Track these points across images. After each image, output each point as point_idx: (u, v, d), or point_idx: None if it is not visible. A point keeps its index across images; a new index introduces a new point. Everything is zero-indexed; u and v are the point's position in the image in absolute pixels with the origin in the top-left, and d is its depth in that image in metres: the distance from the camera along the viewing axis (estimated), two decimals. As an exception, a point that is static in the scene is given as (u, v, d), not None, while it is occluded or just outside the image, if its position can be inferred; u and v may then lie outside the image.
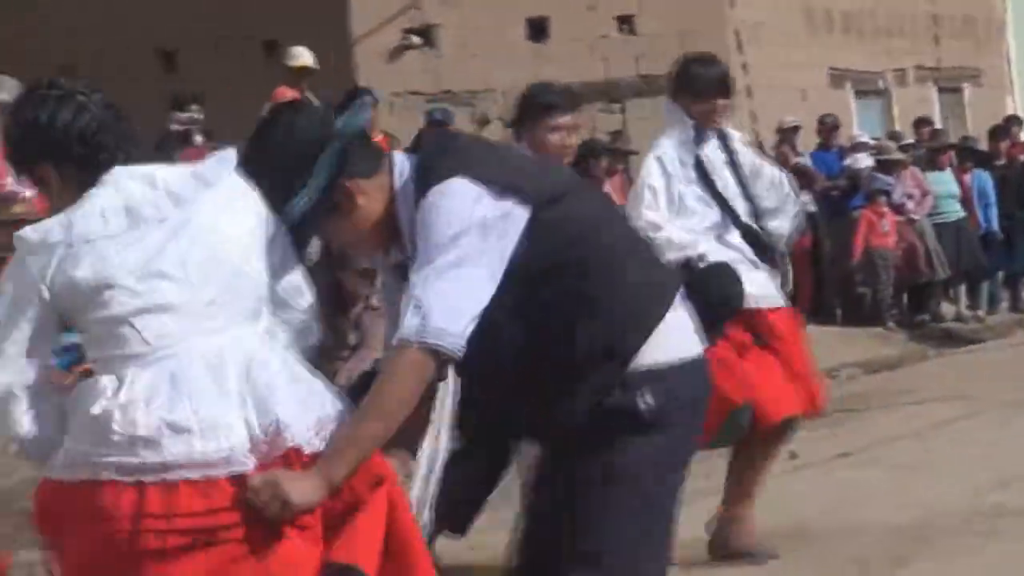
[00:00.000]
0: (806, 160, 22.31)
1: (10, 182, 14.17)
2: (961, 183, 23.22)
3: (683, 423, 4.92)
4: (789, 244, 10.52)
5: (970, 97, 28.59)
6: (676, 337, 4.96)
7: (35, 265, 5.01)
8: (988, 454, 10.59)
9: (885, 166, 22.55)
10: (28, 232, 5.08)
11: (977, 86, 29.06)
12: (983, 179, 23.74)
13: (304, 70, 17.43)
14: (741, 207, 9.33)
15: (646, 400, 4.76)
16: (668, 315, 4.91)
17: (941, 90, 27.99)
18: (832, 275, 21.44)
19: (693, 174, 9.25)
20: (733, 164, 9.37)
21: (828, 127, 23.05)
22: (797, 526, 10.17)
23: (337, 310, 14.23)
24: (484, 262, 4.61)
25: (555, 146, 9.25)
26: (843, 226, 21.95)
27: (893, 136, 24.28)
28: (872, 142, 23.46)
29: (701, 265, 8.57)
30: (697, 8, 22.80)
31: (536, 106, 9.55)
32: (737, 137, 10.04)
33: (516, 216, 4.66)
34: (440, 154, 4.84)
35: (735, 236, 9.21)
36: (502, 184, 4.66)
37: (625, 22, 22.70)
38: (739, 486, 9.29)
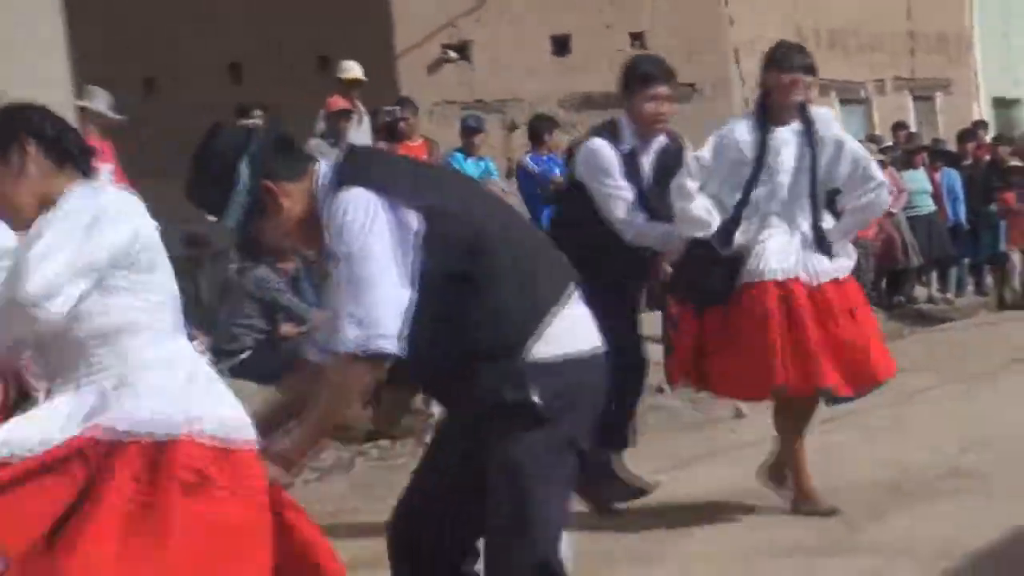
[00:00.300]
0: None
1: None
2: (932, 181, 23.28)
3: (571, 414, 4.90)
4: (864, 222, 10.58)
5: (941, 104, 28.63)
6: (568, 333, 4.92)
7: None
8: (955, 420, 10.60)
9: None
10: None
11: (948, 95, 29.06)
12: (952, 177, 23.80)
13: (354, 82, 17.45)
14: (803, 186, 9.07)
15: (536, 394, 4.76)
16: (562, 312, 4.91)
17: (916, 98, 27.98)
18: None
19: (754, 154, 9.01)
20: (811, 145, 9.07)
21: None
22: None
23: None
24: (395, 268, 4.66)
25: (650, 114, 9.32)
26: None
27: (873, 139, 24.27)
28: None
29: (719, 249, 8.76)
30: (700, 26, 22.78)
31: (635, 77, 9.58)
32: (823, 115, 9.71)
33: (412, 224, 4.70)
34: (352, 165, 4.90)
35: (784, 215, 9.02)
36: (399, 195, 4.71)
37: (637, 38, 22.65)
38: (784, 439, 9.32)
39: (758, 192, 8.99)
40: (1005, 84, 31.00)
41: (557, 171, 17.64)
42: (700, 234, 8.88)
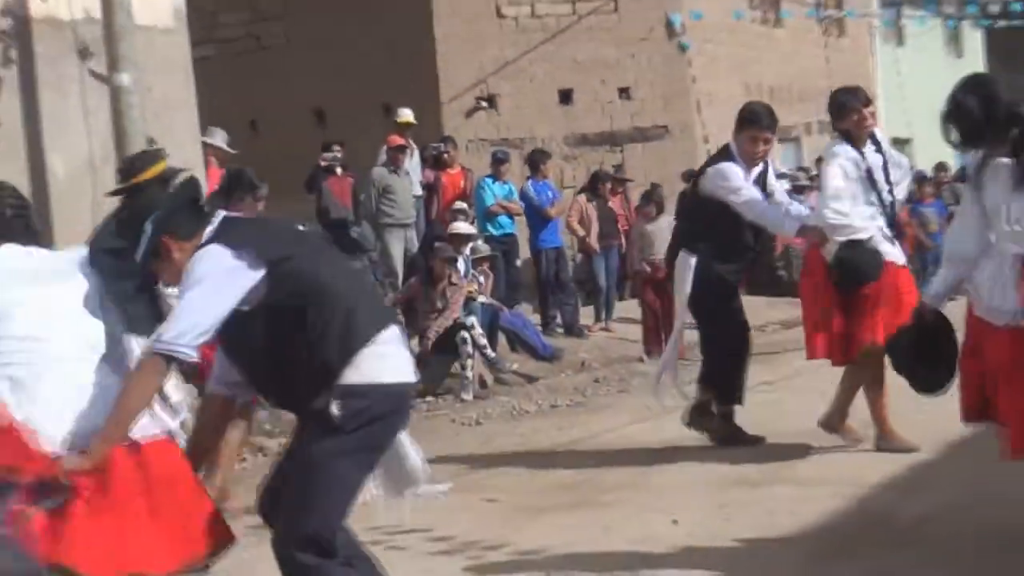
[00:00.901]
0: None
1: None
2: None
3: (367, 428, 4.86)
4: (901, 207, 10.40)
5: (856, 143, 28.56)
6: (377, 366, 4.87)
7: None
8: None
9: (797, 190, 22.44)
10: None
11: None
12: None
13: (408, 124, 17.34)
14: (887, 196, 8.90)
15: (336, 408, 4.78)
16: (374, 348, 4.87)
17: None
18: (761, 262, 21.35)
19: (863, 175, 8.73)
20: (884, 163, 8.93)
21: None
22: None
23: (430, 285, 14.37)
24: (217, 297, 4.74)
25: (748, 151, 9.39)
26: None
27: (802, 169, 24.06)
28: (789, 173, 23.34)
29: (868, 246, 8.54)
30: (671, 83, 22.69)
31: (743, 117, 9.66)
32: (884, 137, 9.58)
33: (248, 269, 4.76)
34: (219, 229, 4.95)
35: (882, 220, 8.79)
36: (243, 249, 4.78)
37: (624, 92, 22.57)
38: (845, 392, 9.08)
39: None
40: (900, 126, 30.77)
41: (550, 193, 17.84)
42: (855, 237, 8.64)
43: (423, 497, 5.65)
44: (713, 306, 9.70)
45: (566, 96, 22.38)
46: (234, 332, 4.89)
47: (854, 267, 8.54)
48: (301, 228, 5.72)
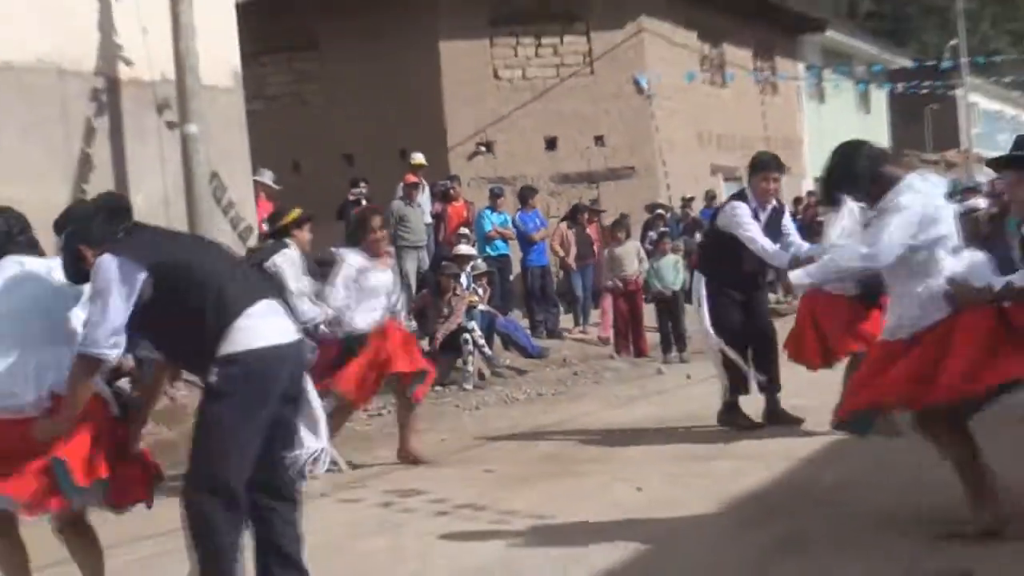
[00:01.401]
0: (698, 215, 21.87)
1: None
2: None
3: (242, 389, 4.81)
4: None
5: (785, 181, 28.41)
6: (246, 335, 4.82)
7: None
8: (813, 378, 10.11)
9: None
10: None
11: (789, 175, 28.80)
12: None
13: (420, 166, 17.37)
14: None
15: (215, 376, 4.80)
16: (242, 321, 4.84)
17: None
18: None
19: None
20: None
21: (709, 197, 22.32)
22: (688, 416, 10.28)
23: (438, 296, 14.38)
24: (117, 301, 4.77)
25: (761, 190, 9.30)
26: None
27: None
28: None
29: None
30: (637, 132, 22.68)
31: (757, 165, 9.56)
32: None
33: (134, 272, 4.79)
34: (114, 240, 4.98)
35: None
36: (126, 255, 4.82)
37: (599, 139, 22.60)
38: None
39: None
40: (820, 164, 30.95)
41: (537, 221, 17.86)
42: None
43: (320, 463, 5.43)
44: (719, 314, 9.49)
45: (551, 143, 22.39)
46: (144, 322, 4.91)
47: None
48: (194, 235, 5.81)
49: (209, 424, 4.87)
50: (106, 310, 4.78)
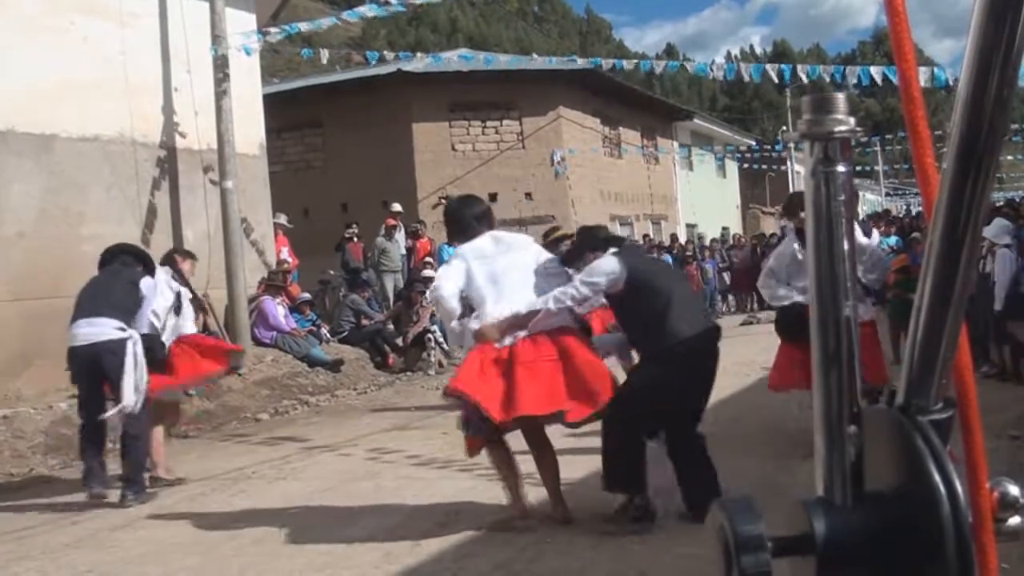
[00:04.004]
0: None
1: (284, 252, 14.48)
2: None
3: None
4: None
5: (665, 226, 28.69)
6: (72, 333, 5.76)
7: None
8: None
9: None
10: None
11: (667, 221, 29.20)
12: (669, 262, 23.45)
13: (397, 212, 17.29)
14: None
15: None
16: (78, 323, 5.90)
17: (653, 223, 27.99)
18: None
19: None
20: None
21: None
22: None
23: (408, 307, 14.44)
24: None
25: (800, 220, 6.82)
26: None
27: (641, 241, 24.32)
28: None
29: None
30: (556, 190, 22.85)
31: (792, 206, 7.32)
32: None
33: None
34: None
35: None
36: None
37: (528, 195, 22.74)
38: None
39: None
40: (690, 216, 31.22)
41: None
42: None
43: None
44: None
45: (493, 197, 22.41)
46: None
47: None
48: None
49: None
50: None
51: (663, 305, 5.09)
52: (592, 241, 5.52)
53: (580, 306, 5.30)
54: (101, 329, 6.17)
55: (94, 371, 6.21)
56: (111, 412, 6.24)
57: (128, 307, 6.44)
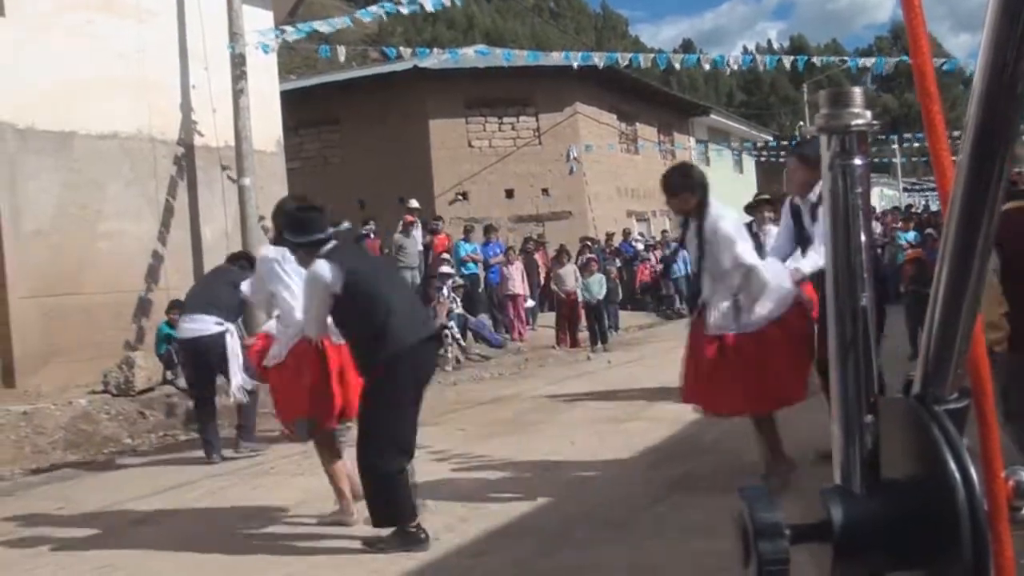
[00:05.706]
0: (618, 246, 21.81)
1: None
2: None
3: None
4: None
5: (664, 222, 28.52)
6: None
7: None
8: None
9: (648, 248, 22.62)
10: None
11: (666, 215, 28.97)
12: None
13: (415, 209, 17.36)
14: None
15: None
16: None
17: (670, 219, 27.80)
18: (627, 292, 21.30)
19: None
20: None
21: (625, 233, 22.70)
22: (609, 390, 10.23)
23: (426, 303, 14.46)
24: None
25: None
26: (632, 272, 21.53)
27: (649, 238, 24.19)
28: (640, 238, 23.51)
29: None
30: (573, 186, 22.88)
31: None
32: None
33: None
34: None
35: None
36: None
37: (545, 191, 22.75)
38: None
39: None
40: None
41: (498, 250, 17.86)
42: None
43: None
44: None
45: (510, 193, 22.54)
46: None
47: None
48: None
49: None
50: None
51: None
52: None
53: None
54: (201, 325, 7.07)
55: (199, 361, 7.19)
56: (233, 391, 7.23)
57: (229, 305, 7.29)
